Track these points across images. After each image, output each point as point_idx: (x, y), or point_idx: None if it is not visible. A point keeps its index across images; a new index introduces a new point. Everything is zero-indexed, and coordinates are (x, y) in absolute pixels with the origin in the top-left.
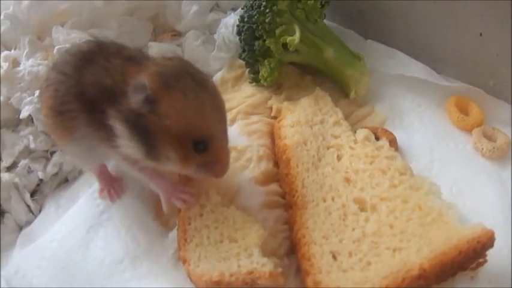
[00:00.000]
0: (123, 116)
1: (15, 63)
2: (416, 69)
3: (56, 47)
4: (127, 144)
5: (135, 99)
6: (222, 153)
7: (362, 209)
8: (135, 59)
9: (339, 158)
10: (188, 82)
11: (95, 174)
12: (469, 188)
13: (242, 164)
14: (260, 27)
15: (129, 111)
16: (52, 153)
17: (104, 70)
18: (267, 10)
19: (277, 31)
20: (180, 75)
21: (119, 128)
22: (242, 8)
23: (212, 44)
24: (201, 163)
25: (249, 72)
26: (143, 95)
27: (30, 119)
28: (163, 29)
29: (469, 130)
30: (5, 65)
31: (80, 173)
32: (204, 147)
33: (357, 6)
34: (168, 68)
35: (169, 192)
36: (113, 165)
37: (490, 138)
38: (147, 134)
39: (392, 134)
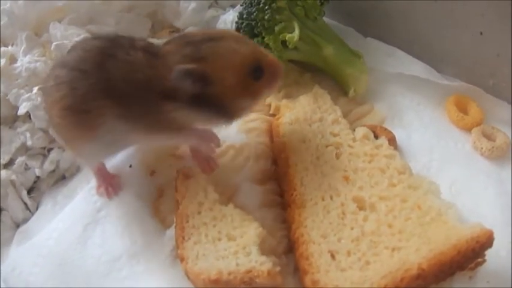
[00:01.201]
0: (184, 105)
1: (13, 59)
2: (416, 67)
3: (54, 43)
4: (204, 124)
5: (187, 86)
6: (272, 61)
7: (361, 208)
8: (149, 49)
9: (337, 156)
10: (206, 43)
11: (93, 171)
12: (468, 187)
13: (240, 162)
14: (259, 24)
15: (187, 98)
16: (49, 150)
17: (130, 64)
18: (266, 7)
19: (276, 28)
20: (197, 45)
21: (187, 116)
22: (241, 5)
23: None
24: (265, 84)
25: None
26: (191, 78)
27: (27, 116)
28: (161, 26)
29: (468, 129)
30: (2, 62)
31: (77, 170)
32: (261, 71)
33: (356, 4)
34: (183, 47)
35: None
36: (111, 163)
37: (489, 137)
38: (216, 105)
39: (391, 132)
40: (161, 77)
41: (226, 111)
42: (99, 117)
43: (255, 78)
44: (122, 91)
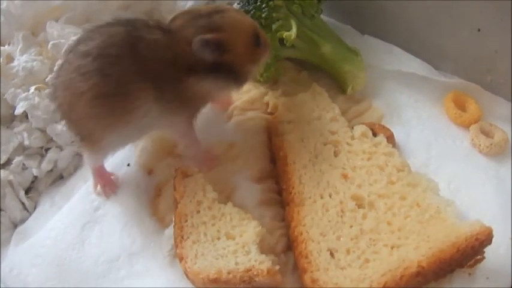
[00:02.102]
0: (204, 75)
1: (9, 58)
2: (414, 64)
3: (50, 42)
4: (221, 91)
5: (207, 55)
6: (263, 32)
7: (360, 205)
8: (163, 27)
9: (336, 154)
10: (215, 14)
11: (91, 169)
12: (467, 184)
13: (239, 161)
14: (256, 22)
15: (206, 67)
16: (47, 149)
17: (157, 43)
18: (263, 5)
19: (274, 26)
20: (208, 17)
21: (208, 87)
22: (238, 3)
23: None
24: (262, 51)
25: None
26: (210, 47)
27: (24, 116)
28: None
29: (466, 126)
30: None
31: (75, 169)
32: (259, 39)
33: (353, 1)
34: (195, 20)
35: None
36: (109, 162)
37: (487, 134)
38: (231, 72)
39: (389, 130)
40: (181, 52)
41: (239, 77)
42: (137, 100)
43: (256, 45)
44: (155, 71)
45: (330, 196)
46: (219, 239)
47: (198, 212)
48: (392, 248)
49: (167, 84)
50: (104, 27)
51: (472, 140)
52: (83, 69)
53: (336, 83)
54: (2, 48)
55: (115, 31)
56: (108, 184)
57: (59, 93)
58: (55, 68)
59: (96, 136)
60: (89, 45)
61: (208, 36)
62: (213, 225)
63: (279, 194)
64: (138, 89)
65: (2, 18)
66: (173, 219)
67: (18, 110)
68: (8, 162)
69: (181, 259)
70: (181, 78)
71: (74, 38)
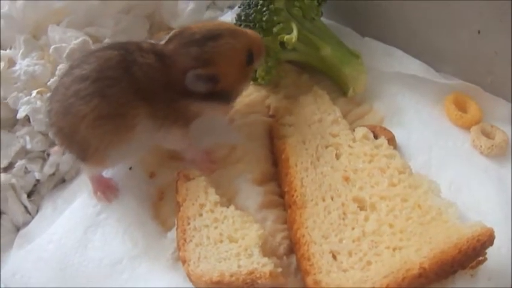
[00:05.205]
0: (197, 100)
1: (11, 62)
2: (414, 66)
3: (52, 46)
4: (215, 111)
5: (199, 87)
6: (256, 42)
7: (361, 208)
8: (156, 50)
9: (337, 156)
10: (207, 42)
11: (88, 178)
12: (468, 185)
13: (241, 164)
14: (257, 25)
15: (201, 95)
16: (49, 153)
17: (149, 66)
18: (264, 8)
19: (275, 29)
20: (200, 46)
21: (199, 108)
22: (239, 6)
23: None
24: (255, 64)
25: None
26: (202, 81)
27: (26, 119)
28: (159, 27)
29: (467, 128)
30: (1, 65)
31: (77, 173)
32: (252, 56)
33: (354, 3)
34: (188, 48)
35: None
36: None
37: (488, 135)
38: (223, 95)
39: (390, 132)
40: (174, 78)
41: (231, 98)
42: (135, 118)
43: (248, 64)
44: (149, 91)
45: (332, 198)
46: (221, 241)
47: (201, 215)
48: (394, 249)
49: (161, 102)
50: (99, 51)
51: (473, 141)
52: (83, 93)
53: (337, 86)
54: (3, 52)
55: (110, 54)
56: (108, 189)
57: (56, 119)
58: (50, 96)
59: (99, 154)
60: (86, 69)
61: (201, 71)
62: (216, 228)
63: (281, 197)
64: (135, 107)
65: (3, 22)
66: (176, 222)
67: (20, 114)
68: (10, 165)
69: (184, 262)
70: (175, 97)
71: (76, 41)
